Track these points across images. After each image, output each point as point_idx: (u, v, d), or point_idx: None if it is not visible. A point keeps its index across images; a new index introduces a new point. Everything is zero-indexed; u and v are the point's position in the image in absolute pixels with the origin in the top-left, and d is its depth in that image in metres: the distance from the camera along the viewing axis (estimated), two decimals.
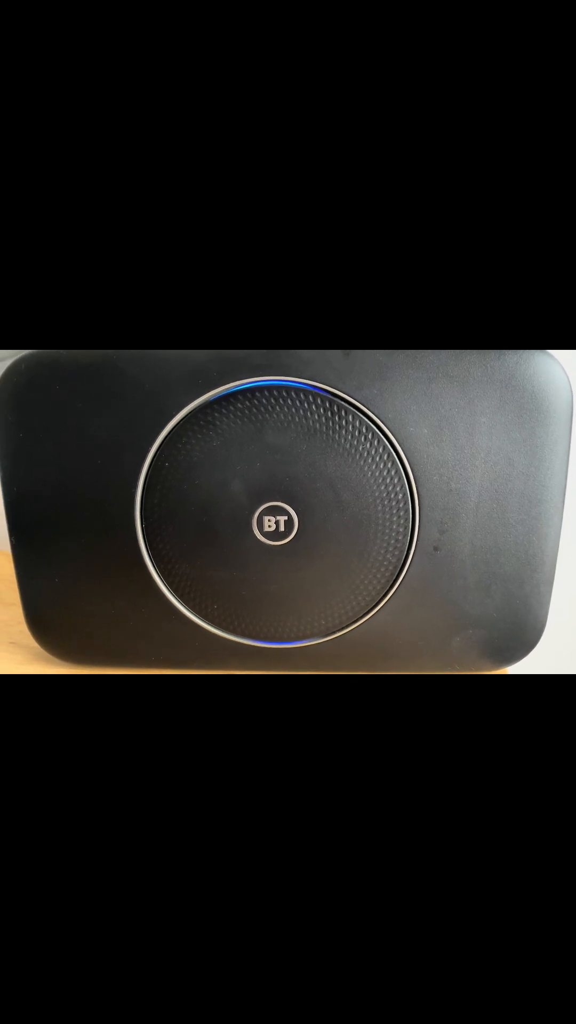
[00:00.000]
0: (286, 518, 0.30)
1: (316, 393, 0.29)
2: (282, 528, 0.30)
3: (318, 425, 0.29)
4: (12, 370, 0.30)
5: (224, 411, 0.29)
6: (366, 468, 0.30)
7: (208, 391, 0.29)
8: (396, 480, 0.30)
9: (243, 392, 0.29)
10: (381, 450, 0.30)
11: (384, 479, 0.30)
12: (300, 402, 0.29)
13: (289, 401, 0.29)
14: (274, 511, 0.30)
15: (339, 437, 0.29)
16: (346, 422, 0.29)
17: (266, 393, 0.29)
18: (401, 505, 0.30)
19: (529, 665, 0.41)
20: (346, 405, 0.29)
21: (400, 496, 0.30)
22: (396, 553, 0.31)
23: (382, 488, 0.30)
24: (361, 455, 0.30)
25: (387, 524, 0.30)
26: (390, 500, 0.30)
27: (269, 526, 0.30)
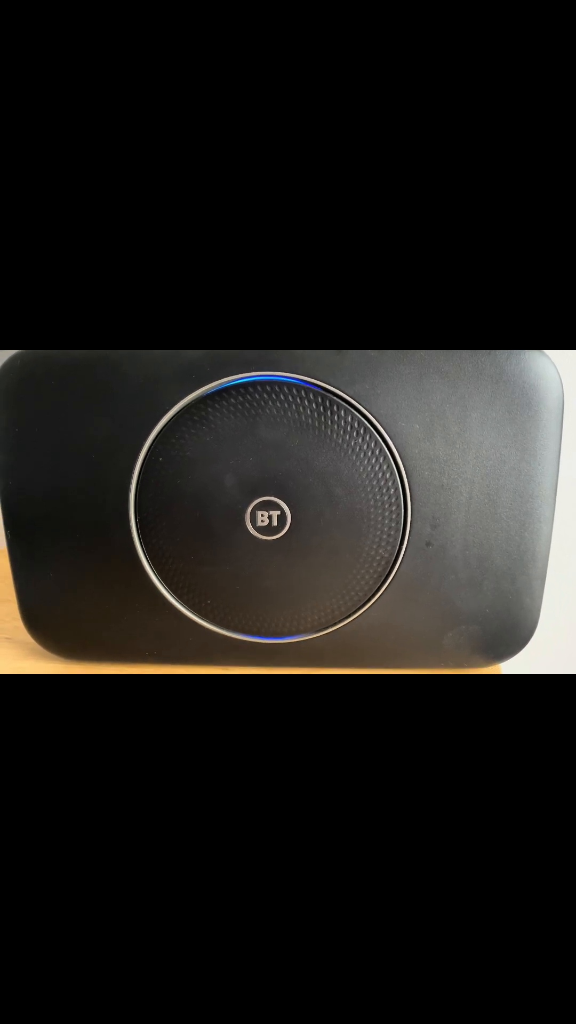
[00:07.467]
0: (279, 513, 0.30)
1: (308, 388, 0.29)
2: (275, 523, 0.31)
3: (310, 420, 0.30)
4: (7, 367, 0.31)
5: (217, 406, 0.30)
6: (358, 463, 0.30)
7: (201, 386, 0.30)
8: (388, 475, 0.30)
9: (236, 387, 0.30)
10: (373, 445, 0.30)
11: (376, 474, 0.30)
12: (292, 397, 0.29)
13: (282, 396, 0.29)
14: (267, 506, 0.30)
15: (331, 432, 0.30)
16: (338, 417, 0.29)
17: (259, 388, 0.29)
18: (393, 500, 0.30)
19: (526, 665, 0.41)
20: (338, 401, 0.29)
21: (392, 491, 0.30)
22: (388, 548, 0.31)
23: (374, 483, 0.30)
24: (353, 450, 0.30)
25: (379, 519, 0.31)
26: (382, 495, 0.30)
27: (262, 521, 0.31)
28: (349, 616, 0.32)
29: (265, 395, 0.29)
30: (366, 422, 0.30)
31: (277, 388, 0.29)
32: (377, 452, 0.30)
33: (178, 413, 0.30)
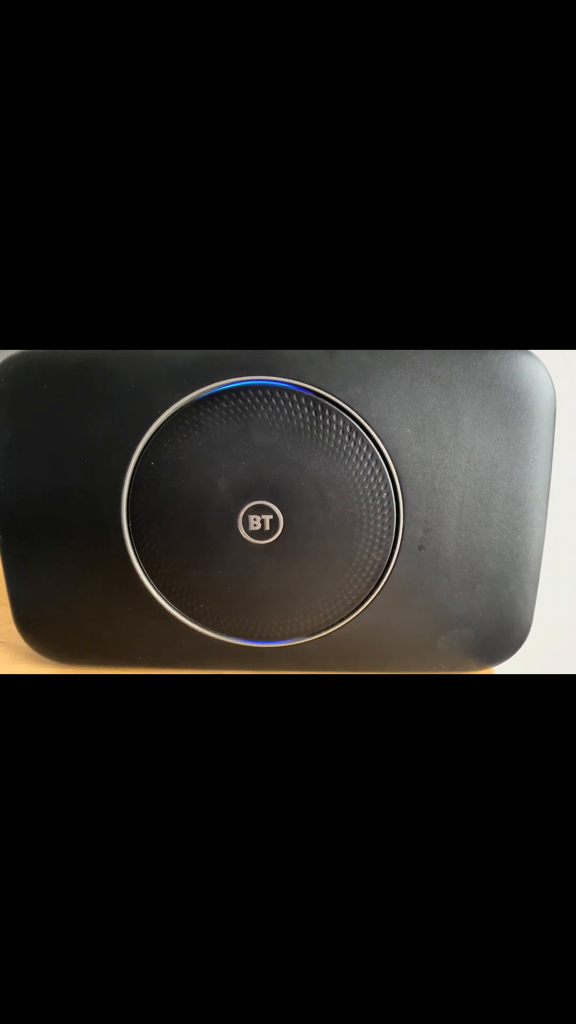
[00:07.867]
0: (271, 517, 0.30)
1: (301, 393, 0.29)
2: (267, 527, 0.31)
3: (303, 424, 0.30)
4: (0, 369, 0.31)
5: (210, 410, 0.30)
6: (350, 467, 0.30)
7: (194, 391, 0.30)
8: (380, 479, 0.30)
9: (228, 391, 0.30)
10: (365, 449, 0.30)
11: (368, 478, 0.30)
12: (285, 402, 0.29)
13: (274, 401, 0.29)
14: (259, 510, 0.30)
15: (324, 436, 0.30)
16: (330, 421, 0.30)
17: (251, 392, 0.29)
18: (385, 504, 0.30)
19: (519, 667, 0.41)
20: (330, 405, 0.29)
21: (384, 495, 0.30)
22: (381, 552, 0.31)
23: (366, 487, 0.30)
24: (345, 454, 0.30)
25: (372, 523, 0.31)
26: (374, 499, 0.30)
27: (255, 525, 0.31)
28: (342, 620, 0.32)
29: (257, 399, 0.29)
30: (358, 426, 0.30)
31: (269, 392, 0.29)
32: (369, 456, 0.30)
33: (170, 417, 0.30)
